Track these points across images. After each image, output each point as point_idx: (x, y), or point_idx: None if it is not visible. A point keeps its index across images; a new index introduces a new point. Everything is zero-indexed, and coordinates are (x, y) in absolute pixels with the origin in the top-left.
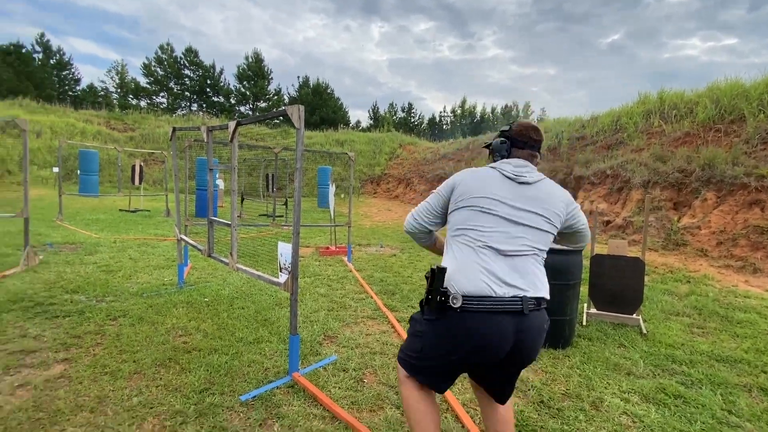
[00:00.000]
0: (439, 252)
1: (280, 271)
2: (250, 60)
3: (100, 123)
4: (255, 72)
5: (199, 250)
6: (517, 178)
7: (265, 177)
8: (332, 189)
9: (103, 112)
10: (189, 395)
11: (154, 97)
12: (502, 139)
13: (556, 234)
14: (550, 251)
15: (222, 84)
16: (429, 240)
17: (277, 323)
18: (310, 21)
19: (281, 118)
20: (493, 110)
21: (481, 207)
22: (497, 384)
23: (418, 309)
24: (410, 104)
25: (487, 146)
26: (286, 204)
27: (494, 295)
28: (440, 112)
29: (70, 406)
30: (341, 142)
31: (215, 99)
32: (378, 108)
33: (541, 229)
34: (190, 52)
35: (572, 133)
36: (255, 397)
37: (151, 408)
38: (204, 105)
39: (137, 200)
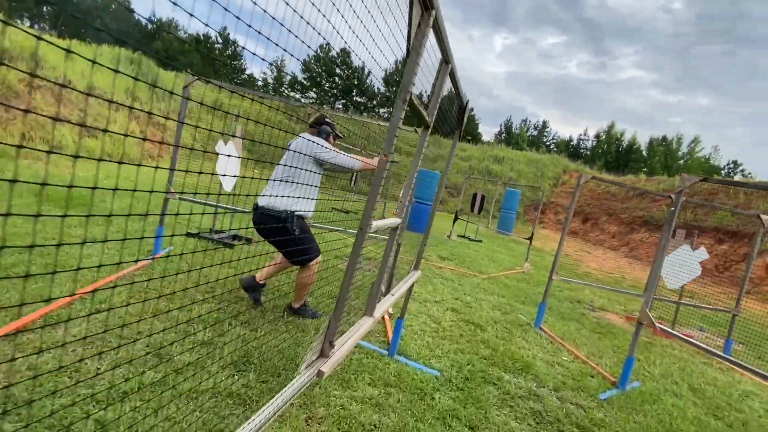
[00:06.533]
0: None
1: None
2: (398, 65)
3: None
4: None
5: None
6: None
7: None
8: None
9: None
10: None
11: (308, 92)
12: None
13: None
14: None
15: (367, 86)
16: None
17: None
18: None
19: None
20: (652, 141)
21: None
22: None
23: None
24: (545, 122)
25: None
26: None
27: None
28: (579, 135)
29: None
30: (499, 159)
31: (358, 99)
32: (512, 123)
33: (285, 165)
34: (345, 52)
35: None
36: None
37: None
38: (347, 104)
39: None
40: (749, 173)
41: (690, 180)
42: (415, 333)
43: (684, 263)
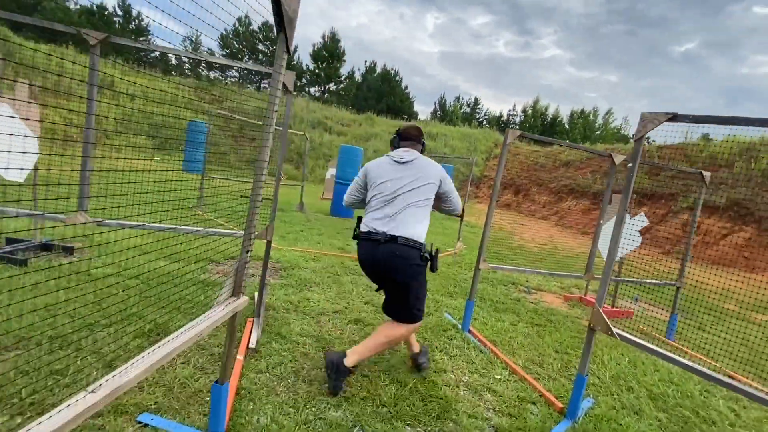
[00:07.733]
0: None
1: None
2: (327, 40)
3: (190, 92)
4: (331, 52)
5: None
6: (400, 161)
7: None
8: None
9: (191, 81)
10: None
11: (228, 71)
12: (394, 135)
13: (437, 190)
14: None
15: (295, 62)
16: (362, 204)
17: None
18: (365, 6)
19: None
20: (573, 114)
21: (378, 186)
22: (388, 297)
23: None
24: (476, 99)
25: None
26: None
27: (367, 230)
28: (509, 111)
29: None
30: (433, 135)
31: None
32: (445, 100)
33: (417, 188)
34: (267, 26)
35: None
36: None
37: None
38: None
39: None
40: (653, 140)
41: (654, 119)
42: (282, 377)
43: (623, 232)
